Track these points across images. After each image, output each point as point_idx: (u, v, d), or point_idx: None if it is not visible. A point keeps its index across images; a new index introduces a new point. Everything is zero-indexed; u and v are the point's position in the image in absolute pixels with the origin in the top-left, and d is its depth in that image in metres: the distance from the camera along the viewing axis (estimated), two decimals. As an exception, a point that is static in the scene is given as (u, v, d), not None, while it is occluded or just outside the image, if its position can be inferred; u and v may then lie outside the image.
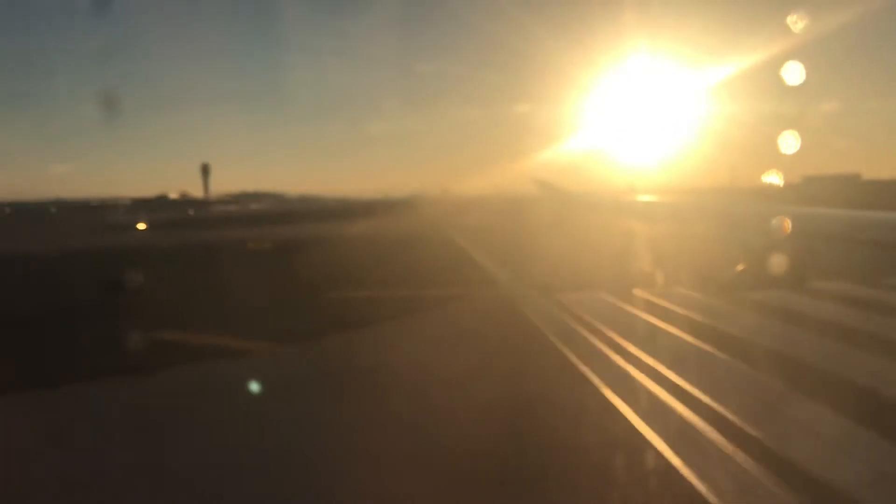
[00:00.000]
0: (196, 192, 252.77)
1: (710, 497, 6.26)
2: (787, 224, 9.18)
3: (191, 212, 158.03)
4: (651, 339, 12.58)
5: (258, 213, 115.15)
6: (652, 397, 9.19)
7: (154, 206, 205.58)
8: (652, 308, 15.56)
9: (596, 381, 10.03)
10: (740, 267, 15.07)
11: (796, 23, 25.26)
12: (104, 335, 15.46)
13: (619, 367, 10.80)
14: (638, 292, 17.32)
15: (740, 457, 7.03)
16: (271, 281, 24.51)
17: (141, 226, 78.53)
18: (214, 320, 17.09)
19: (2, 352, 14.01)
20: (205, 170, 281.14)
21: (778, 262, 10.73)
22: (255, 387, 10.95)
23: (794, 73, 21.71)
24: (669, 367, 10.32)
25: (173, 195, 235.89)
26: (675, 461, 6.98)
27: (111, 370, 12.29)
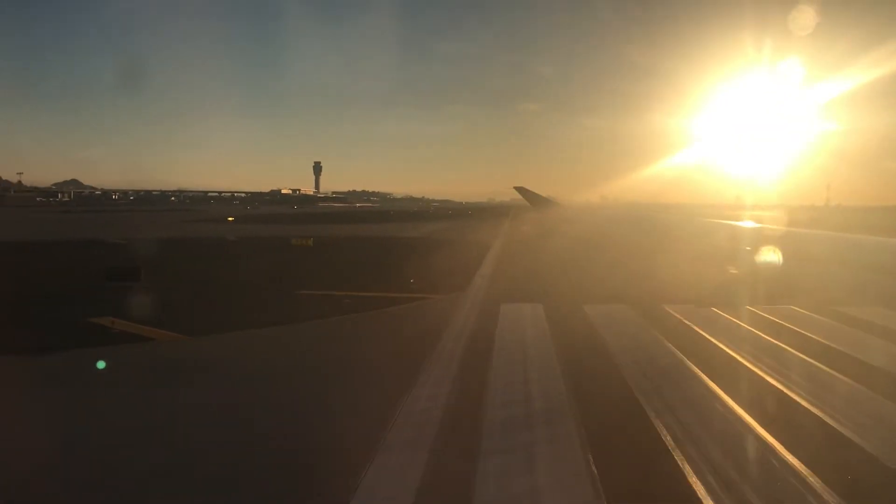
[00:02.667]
0: (308, 188, 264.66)
1: None
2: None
3: (295, 207, 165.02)
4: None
5: (354, 210, 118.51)
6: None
7: (266, 200, 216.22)
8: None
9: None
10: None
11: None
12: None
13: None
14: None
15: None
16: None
17: (230, 218, 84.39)
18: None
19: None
20: (317, 168, 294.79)
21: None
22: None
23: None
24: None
25: (286, 190, 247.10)
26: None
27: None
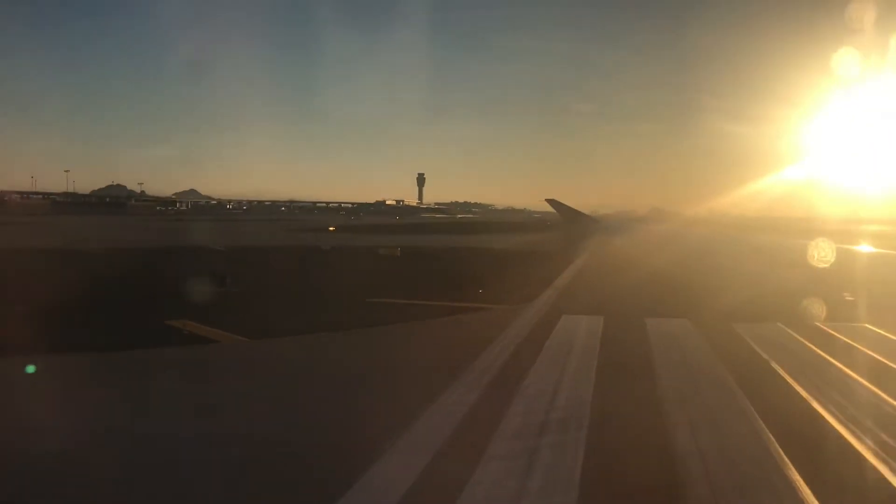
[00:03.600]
0: (412, 199, 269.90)
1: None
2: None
3: (397, 217, 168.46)
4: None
5: (453, 221, 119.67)
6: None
7: (370, 211, 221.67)
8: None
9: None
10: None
11: None
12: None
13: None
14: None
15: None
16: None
17: (331, 228, 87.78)
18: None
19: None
20: (420, 179, 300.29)
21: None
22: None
23: None
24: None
25: (390, 201, 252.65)
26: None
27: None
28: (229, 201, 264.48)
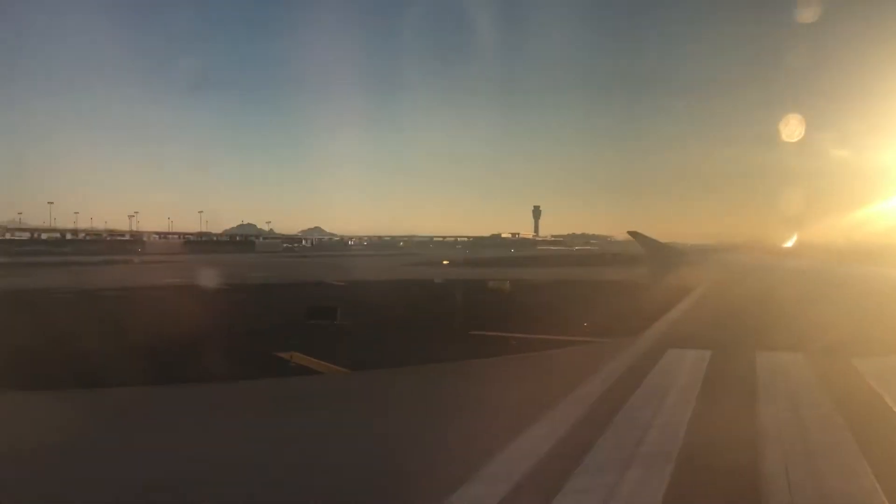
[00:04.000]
0: (528, 231, 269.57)
1: None
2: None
3: (512, 250, 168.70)
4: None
5: (570, 253, 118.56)
6: None
7: (486, 244, 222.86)
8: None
9: None
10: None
11: None
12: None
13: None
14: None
15: None
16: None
17: (445, 262, 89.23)
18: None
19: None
20: (536, 212, 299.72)
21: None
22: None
23: None
24: None
25: (505, 234, 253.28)
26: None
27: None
28: (351, 237, 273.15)
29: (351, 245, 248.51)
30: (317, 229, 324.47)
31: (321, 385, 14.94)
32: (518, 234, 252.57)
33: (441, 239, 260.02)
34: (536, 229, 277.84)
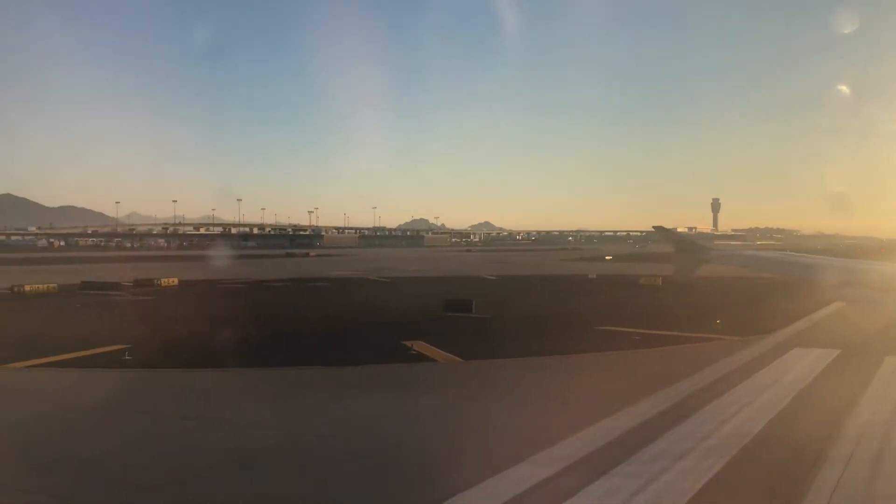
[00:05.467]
0: (706, 226, 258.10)
1: None
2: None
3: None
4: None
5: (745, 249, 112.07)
6: None
7: (658, 239, 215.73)
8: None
9: None
10: None
11: None
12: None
13: None
14: None
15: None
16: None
17: (608, 257, 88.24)
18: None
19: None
20: (715, 205, 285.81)
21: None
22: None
23: None
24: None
25: (681, 229, 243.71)
26: None
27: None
28: (519, 232, 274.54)
29: (519, 240, 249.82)
30: (486, 224, 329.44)
31: (429, 372, 15.98)
32: (695, 228, 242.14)
33: (612, 234, 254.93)
34: (715, 223, 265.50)
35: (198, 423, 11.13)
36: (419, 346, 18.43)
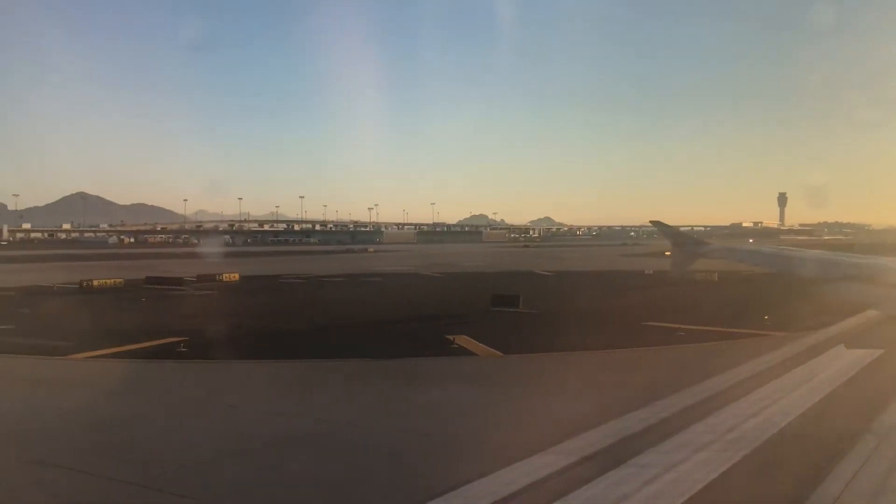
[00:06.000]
0: (773, 220, 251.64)
1: None
2: None
3: (750, 241, 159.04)
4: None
5: (816, 243, 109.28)
6: None
7: (724, 234, 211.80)
8: None
9: None
10: None
11: None
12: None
13: None
14: None
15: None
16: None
17: (667, 252, 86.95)
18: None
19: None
20: (781, 199, 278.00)
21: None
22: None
23: None
24: None
25: (746, 224, 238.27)
26: None
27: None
28: (580, 227, 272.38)
29: (579, 235, 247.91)
30: (546, 219, 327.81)
31: (467, 365, 16.27)
32: (760, 223, 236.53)
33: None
34: (781, 218, 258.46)
35: (234, 410, 11.79)
36: (462, 340, 18.72)
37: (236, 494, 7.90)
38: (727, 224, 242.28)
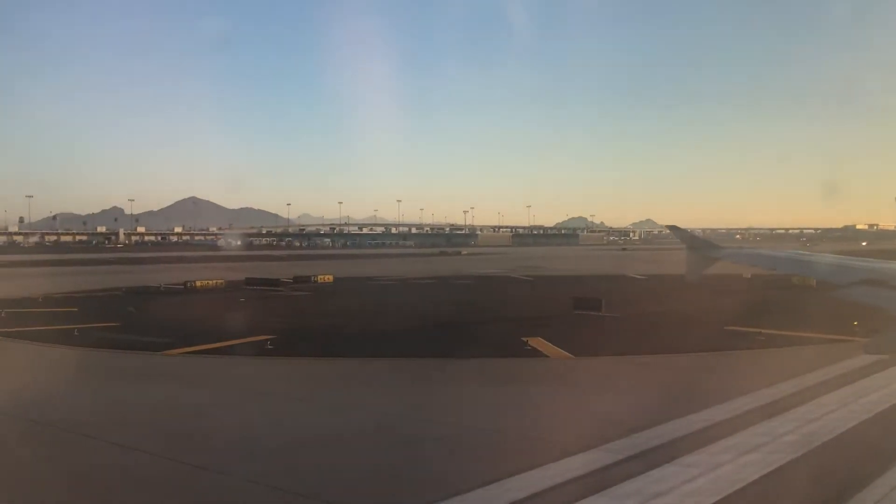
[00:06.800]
0: (891, 222, 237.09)
1: None
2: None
3: (863, 244, 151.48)
4: None
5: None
6: None
7: (836, 237, 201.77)
8: None
9: None
10: None
11: None
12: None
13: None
14: None
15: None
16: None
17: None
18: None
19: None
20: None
21: None
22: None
23: None
24: None
25: (860, 226, 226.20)
26: None
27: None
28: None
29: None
30: (648, 221, 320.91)
31: (536, 366, 16.57)
32: (876, 225, 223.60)
33: (783, 231, 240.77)
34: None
35: (303, 404, 12.67)
36: (536, 342, 18.96)
37: (310, 478, 8.58)
38: (839, 227, 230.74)
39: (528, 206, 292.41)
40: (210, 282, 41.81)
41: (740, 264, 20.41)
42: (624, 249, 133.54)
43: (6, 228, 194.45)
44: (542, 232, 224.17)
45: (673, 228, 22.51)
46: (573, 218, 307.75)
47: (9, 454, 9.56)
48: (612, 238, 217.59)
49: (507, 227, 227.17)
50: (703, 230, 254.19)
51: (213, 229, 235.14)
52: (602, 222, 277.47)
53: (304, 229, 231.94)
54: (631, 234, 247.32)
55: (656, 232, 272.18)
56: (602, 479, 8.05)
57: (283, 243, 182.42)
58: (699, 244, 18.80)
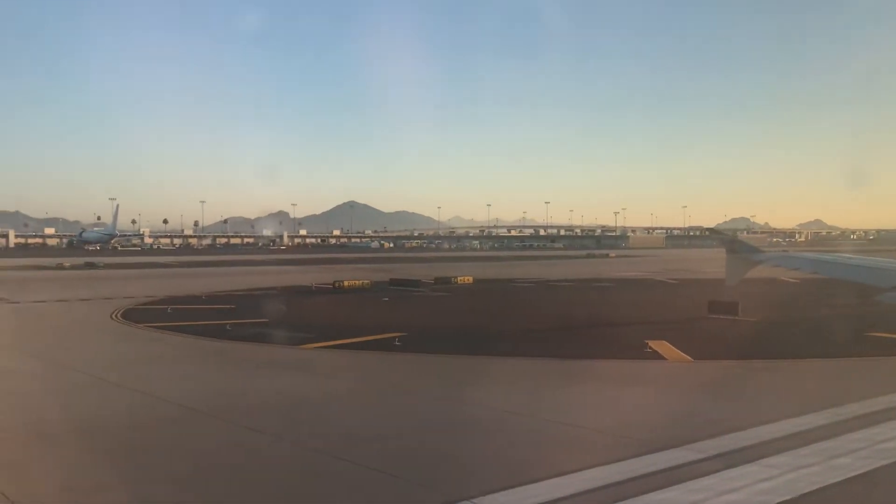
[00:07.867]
0: None
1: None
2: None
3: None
4: None
5: None
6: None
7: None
8: None
9: None
10: None
11: None
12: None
13: None
14: None
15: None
16: None
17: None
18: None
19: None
20: None
21: None
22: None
23: None
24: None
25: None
26: None
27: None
28: (854, 231, 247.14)
29: (853, 239, 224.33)
30: (816, 222, 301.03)
31: (649, 369, 16.62)
32: None
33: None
34: None
35: (416, 397, 13.72)
36: (659, 345, 18.86)
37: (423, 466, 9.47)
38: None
39: (684, 207, 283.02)
40: (357, 282, 44.09)
41: (781, 268, 19.92)
42: (785, 252, 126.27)
43: (182, 231, 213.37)
44: (698, 233, 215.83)
45: (713, 231, 21.92)
46: (734, 219, 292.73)
47: (152, 435, 11.12)
48: (775, 239, 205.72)
49: (660, 228, 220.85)
50: (878, 231, 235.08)
51: (369, 232, 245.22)
52: (766, 223, 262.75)
53: (453, 231, 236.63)
54: (797, 236, 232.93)
55: (824, 233, 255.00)
56: (679, 474, 8.44)
57: (434, 245, 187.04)
58: (739, 247, 18.20)
